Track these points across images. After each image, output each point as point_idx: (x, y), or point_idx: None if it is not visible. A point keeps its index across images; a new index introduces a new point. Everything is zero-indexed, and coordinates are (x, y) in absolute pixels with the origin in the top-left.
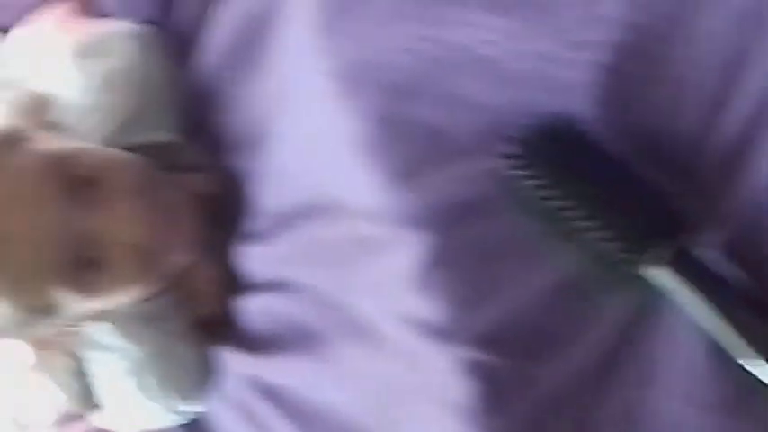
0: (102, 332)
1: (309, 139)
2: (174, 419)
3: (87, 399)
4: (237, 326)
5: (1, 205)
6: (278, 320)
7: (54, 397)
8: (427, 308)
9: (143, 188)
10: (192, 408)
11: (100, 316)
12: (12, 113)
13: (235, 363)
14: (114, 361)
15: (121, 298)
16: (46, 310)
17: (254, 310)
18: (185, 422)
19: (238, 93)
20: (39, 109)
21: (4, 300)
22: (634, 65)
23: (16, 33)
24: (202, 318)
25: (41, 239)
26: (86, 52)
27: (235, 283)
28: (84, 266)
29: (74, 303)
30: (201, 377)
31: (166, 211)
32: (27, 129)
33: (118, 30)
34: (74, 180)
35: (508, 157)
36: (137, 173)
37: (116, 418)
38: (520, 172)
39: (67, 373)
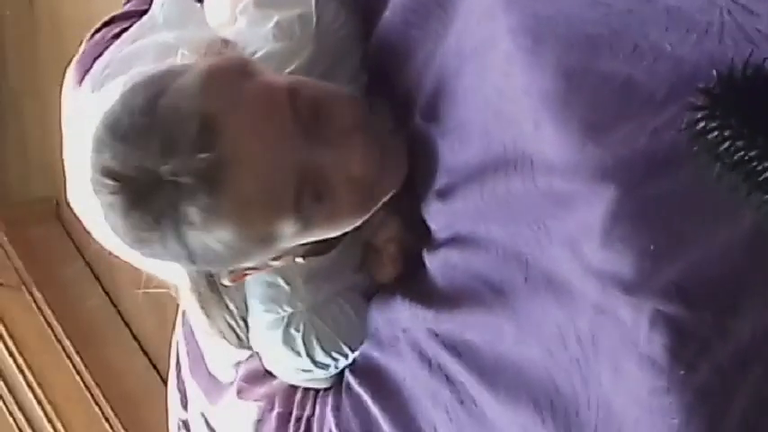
0: (260, 283)
1: (497, 94)
2: (319, 372)
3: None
4: (417, 279)
5: (235, 131)
6: (460, 275)
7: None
8: (614, 261)
9: (366, 124)
10: (338, 362)
11: (298, 254)
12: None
13: (414, 317)
14: (261, 312)
15: (334, 231)
16: (265, 239)
17: (435, 266)
18: (359, 373)
19: (422, 49)
20: (228, 53)
21: (228, 225)
22: None
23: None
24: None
25: (273, 167)
26: (266, 1)
27: (415, 242)
28: (308, 197)
29: (291, 235)
30: (352, 334)
31: (382, 147)
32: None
33: None
34: (302, 111)
35: (697, 108)
36: (359, 108)
37: (270, 365)
38: (709, 123)
39: (227, 321)
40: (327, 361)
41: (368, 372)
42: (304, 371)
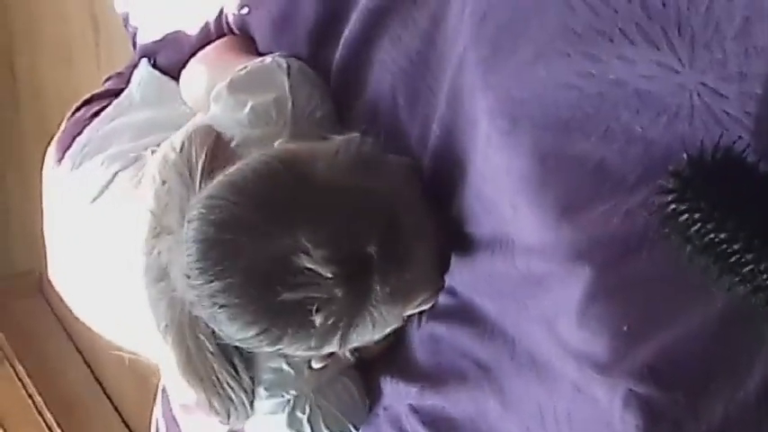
0: (264, 369)
1: (480, 176)
2: None
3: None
4: (399, 355)
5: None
6: (445, 350)
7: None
8: (589, 341)
9: None
10: None
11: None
12: (192, 147)
13: (397, 393)
14: (264, 398)
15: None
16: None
17: (419, 340)
18: None
19: (412, 130)
20: (216, 142)
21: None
22: None
23: (182, 75)
24: (368, 356)
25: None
26: (240, 87)
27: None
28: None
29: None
30: (356, 411)
31: None
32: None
33: (269, 64)
34: None
35: (668, 191)
36: None
37: None
38: (679, 206)
39: (228, 395)
40: None
41: None
42: None
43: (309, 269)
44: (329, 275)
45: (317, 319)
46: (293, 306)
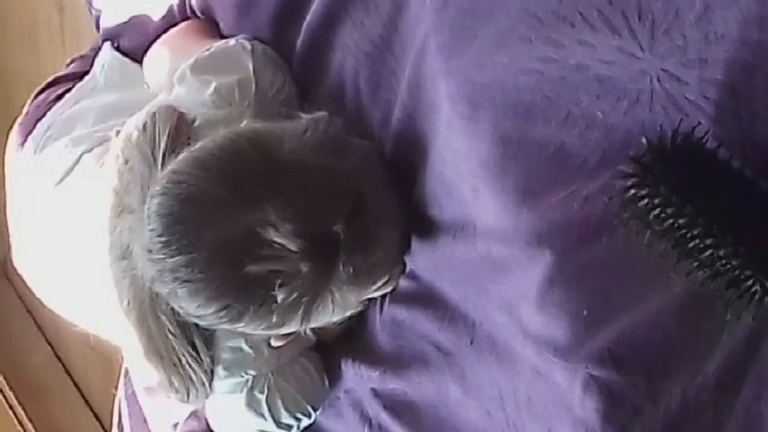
0: (223, 349)
1: (441, 160)
2: None
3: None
4: (361, 339)
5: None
6: (407, 334)
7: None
8: (549, 325)
9: None
10: (300, 422)
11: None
12: (155, 127)
13: (358, 377)
14: (222, 378)
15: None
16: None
17: (380, 324)
18: None
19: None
20: (179, 122)
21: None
22: (750, 81)
23: (145, 58)
24: (327, 338)
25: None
26: (203, 68)
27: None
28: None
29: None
30: (315, 393)
31: None
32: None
33: (233, 45)
34: None
35: (628, 176)
36: None
37: (222, 427)
38: (639, 191)
39: (189, 374)
40: (291, 422)
41: (303, 430)
42: None
43: (276, 242)
44: (296, 250)
45: (280, 295)
46: (257, 280)
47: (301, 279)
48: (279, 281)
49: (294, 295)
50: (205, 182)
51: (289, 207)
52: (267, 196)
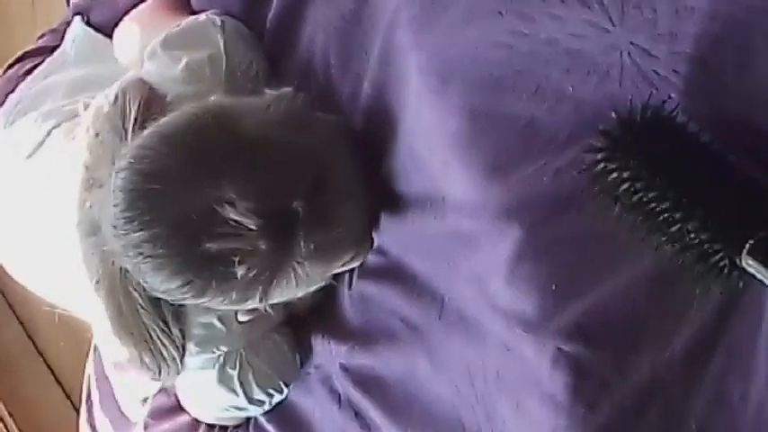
0: (195, 325)
1: (410, 133)
2: (253, 409)
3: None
4: (331, 314)
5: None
6: (375, 309)
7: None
8: (518, 299)
9: None
10: (273, 398)
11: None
12: (125, 99)
13: (327, 352)
14: (194, 354)
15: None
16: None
17: (349, 299)
18: (268, 410)
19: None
20: (149, 95)
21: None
22: (720, 55)
23: (115, 34)
24: (296, 312)
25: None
26: (174, 43)
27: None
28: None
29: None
30: (287, 369)
31: None
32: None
33: (203, 21)
34: None
35: (597, 150)
36: None
37: (193, 403)
38: (608, 165)
39: (160, 350)
40: (263, 398)
41: (276, 407)
42: (238, 408)
43: (234, 220)
44: (253, 227)
45: (239, 271)
46: (216, 257)
47: (259, 257)
48: (237, 258)
49: (254, 272)
50: (167, 157)
51: (247, 184)
52: (227, 173)
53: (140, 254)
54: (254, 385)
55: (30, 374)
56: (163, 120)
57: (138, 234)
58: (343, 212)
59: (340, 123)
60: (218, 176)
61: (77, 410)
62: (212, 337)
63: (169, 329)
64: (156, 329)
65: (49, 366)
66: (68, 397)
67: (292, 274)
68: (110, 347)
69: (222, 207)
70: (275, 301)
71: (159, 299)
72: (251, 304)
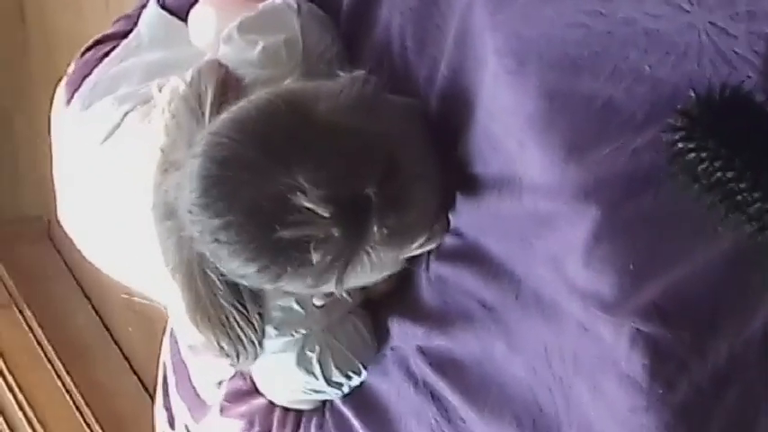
0: (273, 308)
1: (487, 115)
2: (331, 391)
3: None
4: (407, 296)
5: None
6: (451, 291)
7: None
8: (595, 280)
9: None
10: (351, 380)
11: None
12: (200, 81)
13: (404, 334)
14: (273, 337)
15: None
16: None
17: (426, 282)
18: (346, 393)
19: (421, 71)
20: (225, 76)
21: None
22: None
23: (190, 17)
24: (373, 296)
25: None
26: (250, 28)
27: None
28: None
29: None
30: (366, 351)
31: None
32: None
33: (279, 5)
34: None
35: (676, 129)
36: None
37: (270, 386)
38: (687, 144)
39: (239, 336)
40: (342, 380)
41: (352, 389)
42: (316, 391)
43: (307, 208)
44: (326, 215)
45: (314, 257)
46: (291, 244)
47: (333, 243)
48: (312, 245)
49: (328, 258)
50: (240, 144)
51: (320, 170)
52: (298, 160)
53: (216, 240)
54: (332, 367)
55: (104, 362)
56: (236, 105)
57: (213, 220)
58: (415, 197)
59: (413, 106)
60: (289, 164)
61: (152, 398)
62: (291, 320)
63: (247, 313)
64: (234, 313)
65: (123, 354)
66: (143, 385)
67: (366, 259)
68: (186, 331)
69: (294, 195)
70: (350, 285)
71: (237, 283)
72: (327, 289)
